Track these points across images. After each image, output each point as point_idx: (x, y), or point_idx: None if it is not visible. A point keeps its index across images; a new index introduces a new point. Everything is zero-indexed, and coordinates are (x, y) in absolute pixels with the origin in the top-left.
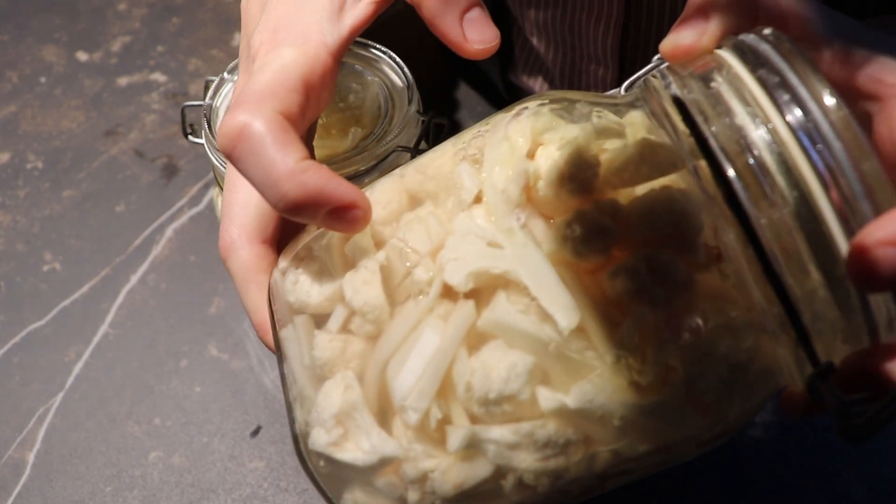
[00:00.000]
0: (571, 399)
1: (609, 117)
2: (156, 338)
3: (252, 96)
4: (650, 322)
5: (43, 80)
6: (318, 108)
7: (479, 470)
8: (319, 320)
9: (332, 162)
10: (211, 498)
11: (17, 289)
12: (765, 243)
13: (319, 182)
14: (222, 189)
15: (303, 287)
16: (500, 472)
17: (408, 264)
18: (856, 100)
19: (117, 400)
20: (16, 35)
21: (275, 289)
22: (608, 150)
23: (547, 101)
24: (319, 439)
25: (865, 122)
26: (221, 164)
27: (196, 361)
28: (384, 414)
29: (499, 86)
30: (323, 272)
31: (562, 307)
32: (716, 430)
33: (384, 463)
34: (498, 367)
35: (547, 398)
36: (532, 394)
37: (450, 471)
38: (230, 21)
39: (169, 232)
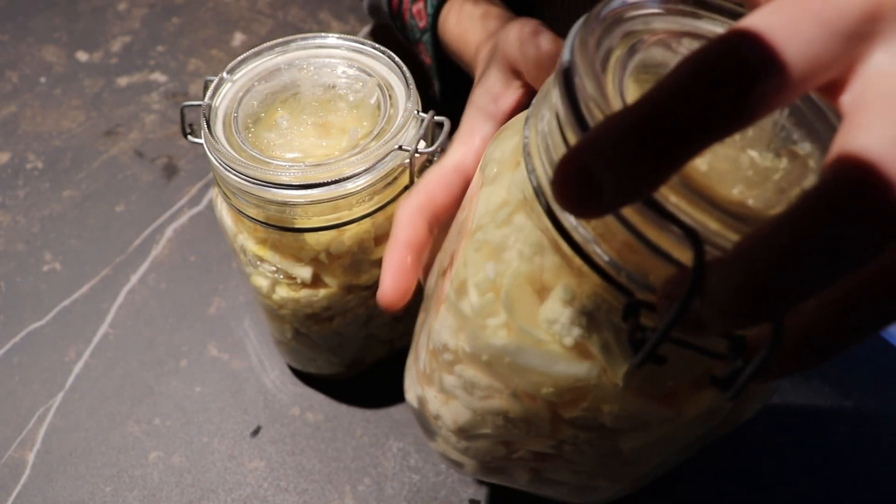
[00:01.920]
0: (466, 345)
1: None
2: (156, 338)
3: (414, 188)
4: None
5: (43, 80)
6: None
7: (460, 410)
8: None
9: (331, 161)
10: (211, 498)
11: (17, 289)
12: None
13: (385, 263)
14: (222, 189)
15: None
16: (478, 416)
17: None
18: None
19: (117, 400)
20: (16, 35)
21: None
22: None
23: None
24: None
25: None
26: (221, 165)
27: (196, 361)
28: None
29: None
30: None
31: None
32: (616, 374)
33: (422, 404)
34: (440, 323)
35: (458, 345)
36: (458, 344)
37: (447, 412)
38: (230, 21)
39: (169, 232)
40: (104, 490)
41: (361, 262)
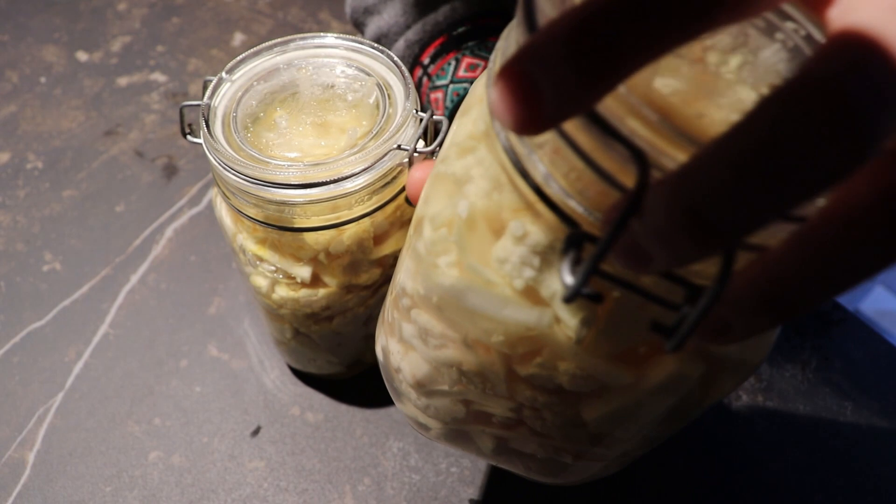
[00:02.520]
0: (420, 287)
1: None
2: (156, 338)
3: None
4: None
5: (43, 80)
6: None
7: (418, 362)
8: None
9: (330, 161)
10: (211, 498)
11: (17, 289)
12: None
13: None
14: (221, 189)
15: None
16: (434, 368)
17: None
18: None
19: (117, 400)
20: (16, 35)
21: None
22: None
23: None
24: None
25: None
26: (220, 165)
27: (196, 361)
28: None
29: None
30: None
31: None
32: (575, 324)
33: (385, 356)
34: (402, 267)
35: (415, 288)
36: (414, 287)
37: (406, 364)
38: (230, 21)
39: (169, 232)
40: (104, 490)
41: (361, 261)
